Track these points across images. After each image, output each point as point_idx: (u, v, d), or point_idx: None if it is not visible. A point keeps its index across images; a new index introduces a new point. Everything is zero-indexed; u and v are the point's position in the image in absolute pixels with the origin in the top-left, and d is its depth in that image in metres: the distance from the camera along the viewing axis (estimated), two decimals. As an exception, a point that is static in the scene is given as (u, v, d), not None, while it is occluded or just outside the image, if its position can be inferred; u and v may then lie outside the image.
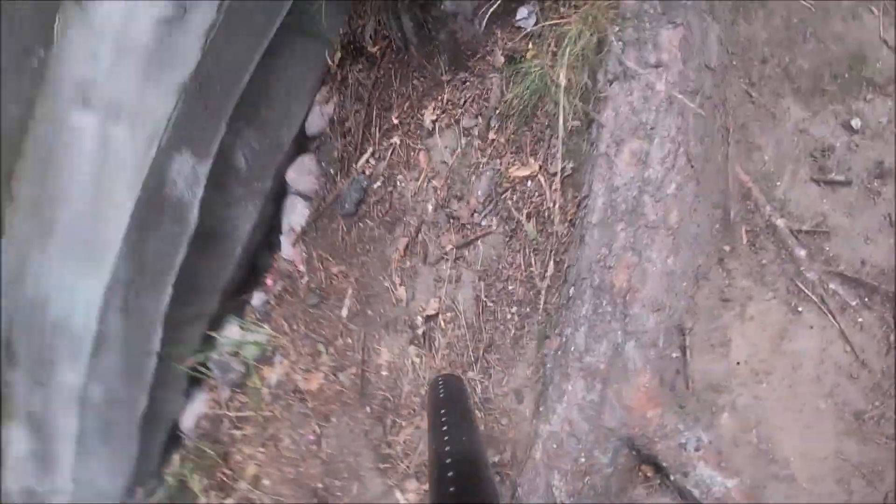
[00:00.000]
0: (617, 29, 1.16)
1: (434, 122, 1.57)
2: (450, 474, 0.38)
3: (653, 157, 1.06)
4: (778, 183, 1.21)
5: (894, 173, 1.17)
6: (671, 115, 1.06)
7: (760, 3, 1.29)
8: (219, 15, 1.42)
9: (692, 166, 1.07)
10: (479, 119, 1.47)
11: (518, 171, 1.32)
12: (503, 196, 1.35)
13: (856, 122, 1.23)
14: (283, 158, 1.82)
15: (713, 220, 1.13)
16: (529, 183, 1.32)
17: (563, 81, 1.16)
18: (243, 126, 1.67)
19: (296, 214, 1.84)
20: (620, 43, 1.13)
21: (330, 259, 1.71)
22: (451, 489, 0.37)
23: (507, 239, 1.34)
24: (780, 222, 1.15)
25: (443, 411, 0.47)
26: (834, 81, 1.25)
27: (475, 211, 1.43)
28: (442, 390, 0.51)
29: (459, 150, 1.49)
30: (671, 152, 1.05)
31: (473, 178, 1.45)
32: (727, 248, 1.14)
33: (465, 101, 1.53)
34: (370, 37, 1.69)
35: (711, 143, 1.15)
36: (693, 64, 1.13)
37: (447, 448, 0.41)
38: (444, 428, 0.44)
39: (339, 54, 1.76)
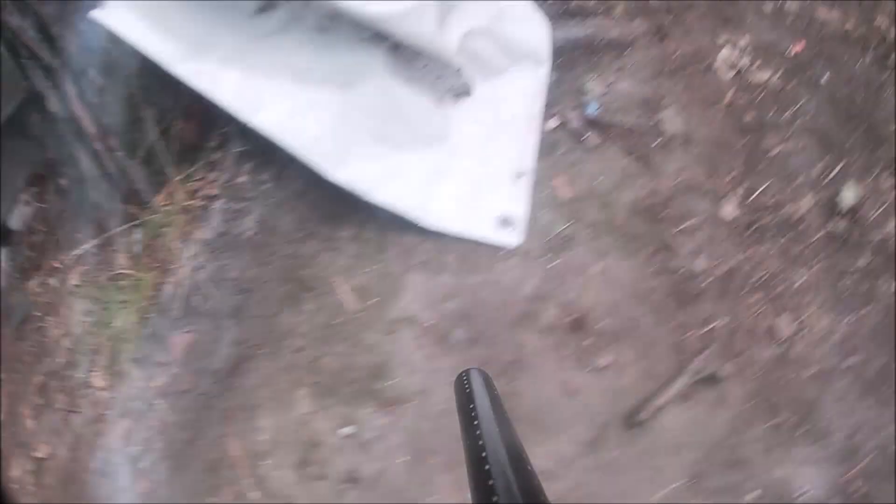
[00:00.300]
0: (151, 315, 1.54)
1: (75, 286, 1.95)
2: (487, 468, 0.40)
3: (135, 437, 1.50)
4: (266, 462, 1.66)
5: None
6: (159, 407, 1.49)
7: (313, 296, 1.66)
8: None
9: (171, 447, 1.52)
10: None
11: (98, 380, 1.75)
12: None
13: (350, 429, 1.66)
14: None
15: (196, 482, 1.59)
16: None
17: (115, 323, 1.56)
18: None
19: None
20: (146, 330, 1.51)
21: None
22: (491, 483, 0.39)
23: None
24: (253, 495, 1.63)
25: (471, 406, 0.49)
26: (350, 386, 1.67)
27: (77, 387, 1.87)
28: (467, 385, 0.53)
29: (83, 325, 1.89)
30: (152, 436, 1.48)
31: (82, 357, 1.87)
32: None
33: (108, 269, 1.91)
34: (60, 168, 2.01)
35: (206, 423, 1.58)
36: (194, 367, 1.53)
37: (481, 442, 0.43)
38: (476, 422, 0.46)
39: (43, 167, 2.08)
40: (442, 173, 1.60)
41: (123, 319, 1.55)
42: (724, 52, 1.92)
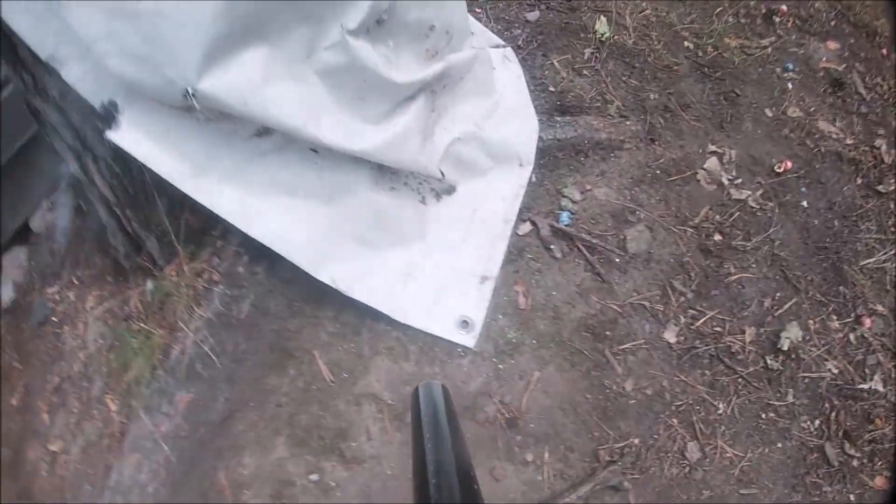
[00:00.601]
0: (160, 372, 2.14)
1: (92, 307, 2.57)
2: (433, 482, 0.47)
3: (144, 468, 2.14)
4: (247, 492, 2.30)
5: None
6: (162, 446, 2.12)
7: (295, 364, 2.24)
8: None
9: (172, 477, 2.16)
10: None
11: (111, 403, 2.39)
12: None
13: (316, 476, 2.28)
14: (4, 242, 2.84)
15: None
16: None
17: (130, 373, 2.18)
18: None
19: (6, 290, 2.92)
20: (155, 384, 2.12)
21: (14, 351, 2.83)
22: (437, 497, 0.46)
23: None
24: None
25: (424, 420, 0.57)
26: (319, 441, 2.27)
27: (91, 400, 2.53)
28: (422, 399, 0.60)
29: (97, 346, 2.52)
30: (157, 469, 2.13)
31: (97, 376, 2.51)
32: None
33: (122, 305, 2.52)
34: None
35: (200, 459, 2.21)
36: (193, 419, 2.14)
37: (429, 457, 0.51)
38: (427, 436, 0.54)
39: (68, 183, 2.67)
40: (414, 273, 2.09)
41: (137, 369, 2.14)
42: (710, 163, 2.32)
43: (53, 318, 2.59)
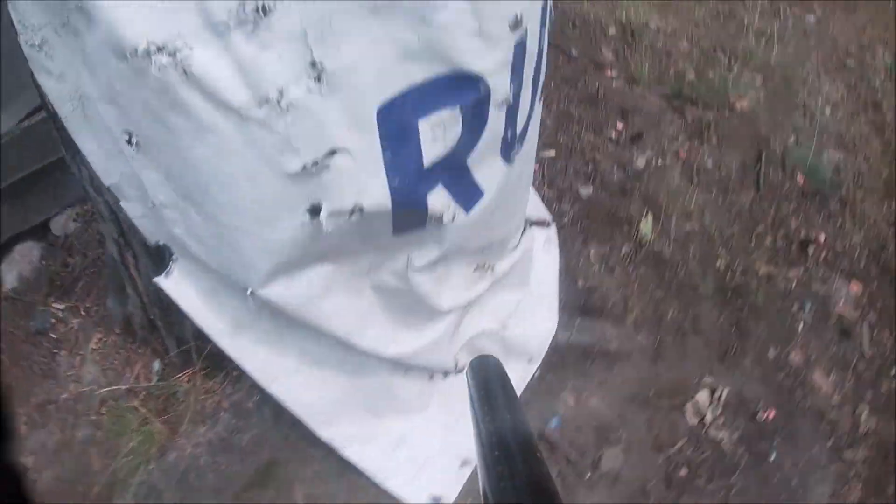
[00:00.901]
0: (152, 466, 2.46)
1: (93, 349, 2.84)
2: (496, 453, 0.51)
3: None
4: None
5: None
6: None
7: (274, 491, 2.58)
8: (16, 127, 2.55)
9: None
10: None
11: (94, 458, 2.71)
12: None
13: None
14: (24, 233, 3.04)
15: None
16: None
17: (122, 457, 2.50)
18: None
19: (10, 276, 3.15)
20: (148, 476, 2.44)
21: (9, 347, 3.10)
22: (500, 468, 0.49)
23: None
24: None
25: (482, 393, 0.61)
26: None
27: (75, 439, 2.84)
28: (478, 372, 0.65)
29: (93, 389, 2.81)
30: None
31: (85, 420, 2.81)
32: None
33: (125, 365, 2.79)
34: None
35: None
36: None
37: (492, 428, 0.55)
38: (486, 408, 0.58)
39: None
40: (407, 440, 2.42)
41: (131, 452, 2.45)
42: (701, 396, 2.65)
43: (52, 335, 2.84)
